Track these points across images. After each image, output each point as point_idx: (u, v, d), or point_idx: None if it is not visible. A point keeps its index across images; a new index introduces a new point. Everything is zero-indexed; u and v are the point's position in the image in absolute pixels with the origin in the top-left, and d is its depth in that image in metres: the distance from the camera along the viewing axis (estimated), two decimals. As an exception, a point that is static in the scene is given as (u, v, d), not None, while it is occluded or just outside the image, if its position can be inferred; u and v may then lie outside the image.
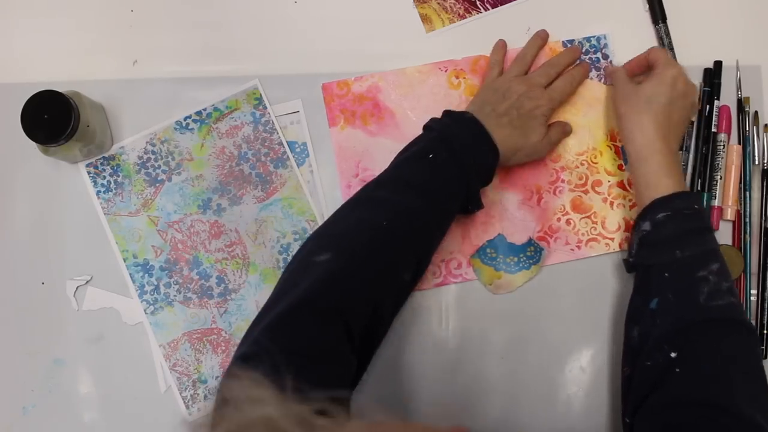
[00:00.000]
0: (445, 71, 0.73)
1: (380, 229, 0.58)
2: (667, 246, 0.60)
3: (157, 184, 0.72)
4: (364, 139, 0.73)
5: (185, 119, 0.72)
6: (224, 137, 0.72)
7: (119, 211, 0.71)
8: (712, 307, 0.57)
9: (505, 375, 0.70)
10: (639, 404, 0.58)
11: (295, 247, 0.71)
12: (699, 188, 0.72)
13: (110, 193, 0.72)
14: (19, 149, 0.70)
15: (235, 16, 0.74)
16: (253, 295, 0.71)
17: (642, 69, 0.69)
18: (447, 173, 0.61)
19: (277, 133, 0.71)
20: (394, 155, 0.63)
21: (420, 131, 0.65)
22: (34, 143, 0.64)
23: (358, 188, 0.63)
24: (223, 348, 0.70)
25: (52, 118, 0.63)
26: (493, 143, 0.63)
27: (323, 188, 0.72)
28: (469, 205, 0.64)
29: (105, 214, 0.71)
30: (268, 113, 0.71)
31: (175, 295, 0.71)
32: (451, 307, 0.71)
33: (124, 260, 0.71)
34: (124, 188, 0.72)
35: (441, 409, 0.70)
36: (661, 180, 0.62)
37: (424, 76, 0.73)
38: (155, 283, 0.71)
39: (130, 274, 0.71)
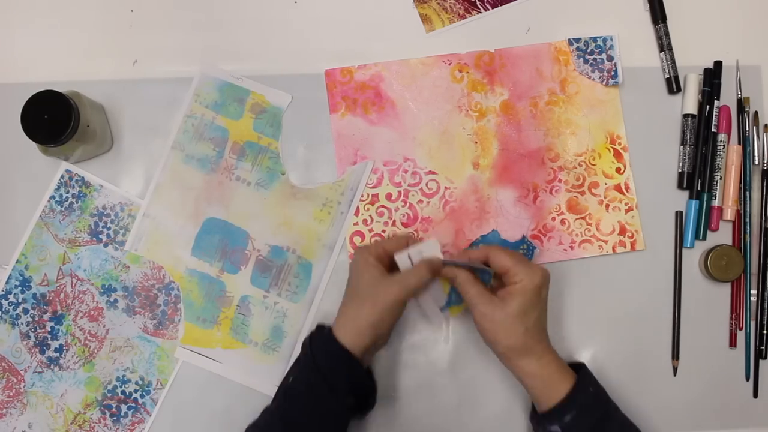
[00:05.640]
0: (449, 65, 0.73)
1: None
2: None
3: (94, 239, 0.71)
4: (363, 128, 0.73)
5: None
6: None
7: (50, 225, 0.71)
8: None
9: (504, 375, 0.70)
10: None
11: (132, 390, 0.69)
12: (699, 188, 0.72)
13: (59, 206, 0.71)
14: (19, 149, 0.70)
15: (235, 16, 0.74)
16: (67, 385, 0.70)
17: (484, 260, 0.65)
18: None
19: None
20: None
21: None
22: (34, 143, 0.64)
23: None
24: (9, 394, 0.69)
25: (52, 118, 0.63)
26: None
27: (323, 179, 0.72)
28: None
29: (39, 216, 0.71)
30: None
31: (22, 324, 0.70)
32: (450, 307, 0.71)
33: (16, 262, 0.70)
34: (71, 215, 0.71)
35: (440, 408, 0.71)
36: (555, 380, 0.62)
37: (427, 68, 0.73)
38: (19, 300, 0.70)
39: (9, 275, 0.70)
